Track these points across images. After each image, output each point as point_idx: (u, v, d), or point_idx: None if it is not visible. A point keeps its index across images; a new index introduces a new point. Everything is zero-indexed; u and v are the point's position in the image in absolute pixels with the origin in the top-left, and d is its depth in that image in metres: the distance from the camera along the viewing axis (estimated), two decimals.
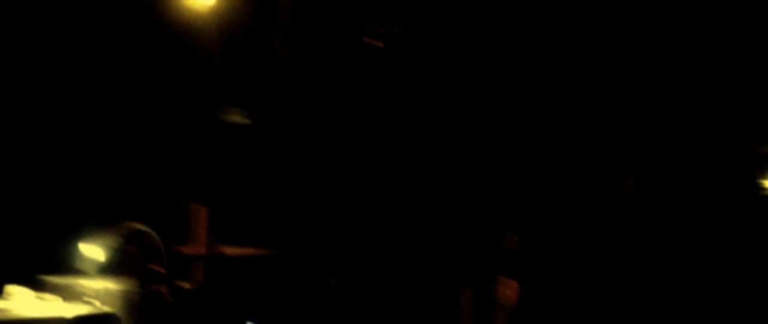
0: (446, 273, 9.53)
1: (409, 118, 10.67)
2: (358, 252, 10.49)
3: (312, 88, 10.30)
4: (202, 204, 9.01)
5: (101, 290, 7.22)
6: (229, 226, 9.43)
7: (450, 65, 10.61)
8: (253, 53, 9.96)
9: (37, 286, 7.34)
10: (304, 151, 10.44)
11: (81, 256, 7.51)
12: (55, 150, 9.54)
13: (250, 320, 8.38)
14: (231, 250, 9.08)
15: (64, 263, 7.74)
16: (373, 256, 10.60)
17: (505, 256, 8.23)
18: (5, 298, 7.02)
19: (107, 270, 7.52)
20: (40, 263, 7.73)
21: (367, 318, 10.14)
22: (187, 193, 9.32)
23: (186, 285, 7.87)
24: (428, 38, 10.19)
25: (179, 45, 9.68)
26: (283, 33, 9.91)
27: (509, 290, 8.26)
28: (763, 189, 11.50)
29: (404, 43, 9.96)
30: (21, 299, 6.98)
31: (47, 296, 7.10)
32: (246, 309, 8.24)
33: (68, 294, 7.27)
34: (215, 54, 9.54)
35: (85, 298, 7.20)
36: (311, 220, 10.46)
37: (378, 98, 10.38)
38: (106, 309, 7.09)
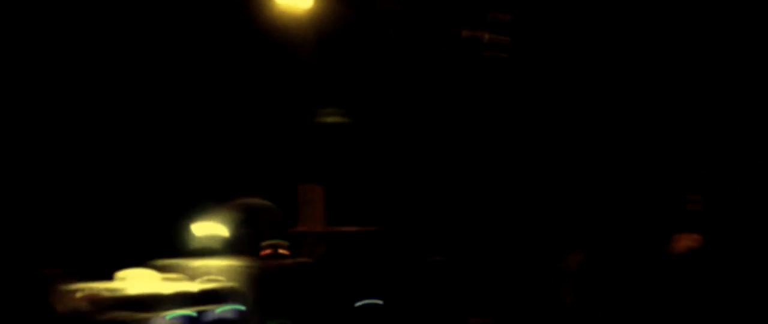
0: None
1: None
2: (468, 231, 10.28)
3: (414, 81, 10.19)
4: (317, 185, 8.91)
5: (222, 267, 7.14)
6: (341, 206, 9.30)
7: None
8: (351, 51, 9.88)
9: (158, 268, 7.28)
10: (413, 135, 10.30)
11: (198, 237, 7.45)
12: (167, 137, 9.50)
13: (371, 297, 8.21)
14: (346, 228, 8.94)
15: (180, 246, 7.69)
16: (484, 235, 10.37)
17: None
18: (126, 280, 6.96)
19: (226, 248, 7.44)
20: (157, 248, 7.69)
21: (477, 295, 9.92)
22: (295, 176, 9.19)
23: (306, 260, 7.74)
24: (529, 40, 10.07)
25: (281, 44, 9.61)
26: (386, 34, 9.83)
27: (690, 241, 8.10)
28: None
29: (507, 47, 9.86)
30: (145, 280, 6.91)
31: (170, 276, 7.03)
32: (362, 283, 8.07)
33: (189, 273, 7.20)
34: (315, 52, 9.47)
35: (208, 276, 7.12)
36: (423, 199, 10.27)
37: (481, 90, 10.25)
38: (230, 284, 6.98)
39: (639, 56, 10.08)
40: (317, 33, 9.46)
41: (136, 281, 6.84)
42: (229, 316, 6.87)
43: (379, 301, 8.19)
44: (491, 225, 10.32)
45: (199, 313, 6.50)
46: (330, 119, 9.68)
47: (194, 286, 6.67)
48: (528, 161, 10.43)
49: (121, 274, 6.91)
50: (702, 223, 8.18)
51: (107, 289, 6.51)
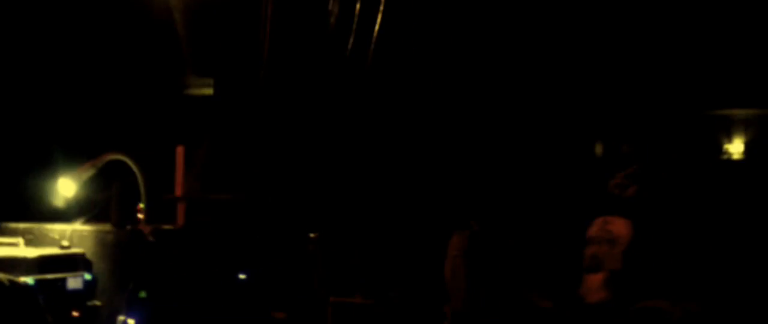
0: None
1: None
2: (345, 207, 9.75)
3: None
4: (190, 147, 8.19)
5: (70, 232, 6.44)
6: (217, 174, 8.62)
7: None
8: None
9: (2, 230, 6.56)
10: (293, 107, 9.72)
11: (52, 195, 6.73)
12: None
13: (239, 270, 7.57)
14: (220, 196, 8.26)
15: (34, 206, 6.96)
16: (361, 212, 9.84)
17: None
18: None
19: (80, 210, 6.73)
20: (6, 209, 6.95)
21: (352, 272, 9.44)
22: (168, 140, 8.48)
23: (166, 227, 7.06)
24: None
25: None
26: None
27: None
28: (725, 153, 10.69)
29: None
30: None
31: (9, 240, 6.30)
32: (231, 254, 7.42)
33: (34, 237, 6.49)
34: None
35: (53, 241, 6.41)
36: (301, 171, 9.68)
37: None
38: (75, 250, 6.28)
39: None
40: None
41: None
42: (76, 285, 6.16)
43: (243, 275, 7.53)
44: (368, 201, 9.82)
45: (38, 281, 5.77)
46: (202, 90, 9.03)
47: (33, 252, 5.93)
48: (409, 134, 9.93)
49: None
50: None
51: None
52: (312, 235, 9.35)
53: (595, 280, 7.04)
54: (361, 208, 9.70)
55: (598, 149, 10.38)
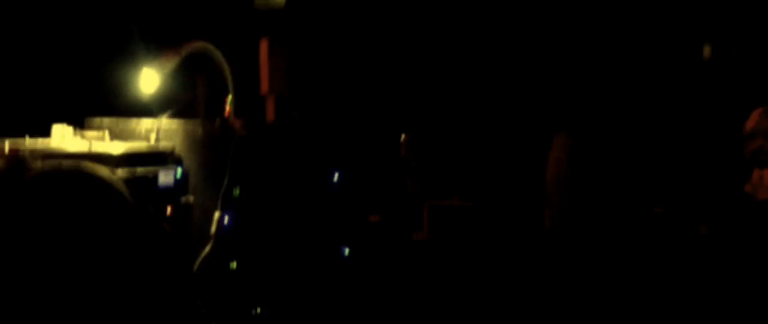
0: None
1: None
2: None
3: None
4: (274, 41, 7.70)
5: (157, 126, 6.03)
6: (307, 71, 8.15)
7: None
8: None
9: (86, 126, 6.17)
10: None
11: (135, 88, 6.30)
12: None
13: (339, 173, 7.13)
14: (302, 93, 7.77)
15: (116, 100, 6.56)
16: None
17: None
18: (51, 137, 5.83)
19: (165, 104, 6.31)
20: (90, 104, 6.56)
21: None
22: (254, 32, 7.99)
23: (268, 124, 6.61)
24: None
25: None
26: None
27: None
28: None
29: None
30: (66, 137, 5.78)
31: (95, 133, 5.91)
32: (321, 152, 6.97)
33: (120, 131, 6.09)
34: None
35: (139, 135, 6.01)
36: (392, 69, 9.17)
37: None
38: (164, 144, 5.87)
39: None
40: None
41: (58, 139, 5.73)
42: (167, 181, 5.76)
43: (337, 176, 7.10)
44: (466, 101, 9.31)
45: (128, 176, 5.37)
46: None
47: (121, 146, 5.52)
48: None
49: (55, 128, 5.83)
50: None
51: (25, 146, 5.38)
52: (404, 135, 8.95)
53: (766, 175, 6.65)
54: (459, 108, 9.23)
55: (707, 52, 9.69)
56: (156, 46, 6.37)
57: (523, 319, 6.77)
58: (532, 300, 7.09)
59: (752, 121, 6.65)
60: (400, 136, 8.93)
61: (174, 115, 6.16)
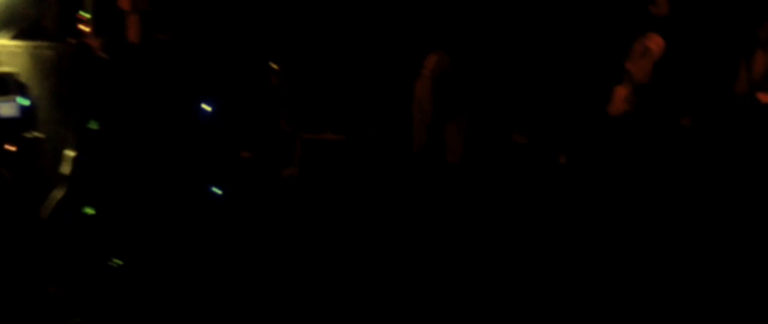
0: None
1: None
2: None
3: None
4: None
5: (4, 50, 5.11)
6: None
7: None
8: None
9: None
10: None
11: None
12: None
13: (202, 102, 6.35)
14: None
15: None
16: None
17: None
18: None
19: (6, 22, 5.37)
20: None
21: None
22: None
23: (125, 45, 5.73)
24: None
25: None
26: None
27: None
28: None
29: None
30: None
31: None
32: (190, 80, 6.19)
33: None
34: None
35: None
36: None
37: None
38: (4, 69, 4.96)
39: None
40: None
41: None
42: (9, 112, 4.86)
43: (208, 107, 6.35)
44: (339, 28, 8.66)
45: None
46: None
47: None
48: None
49: None
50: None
51: None
52: (275, 66, 8.24)
53: (621, 92, 6.76)
54: (331, 35, 8.57)
55: None
56: None
57: (394, 253, 6.45)
58: (406, 231, 6.81)
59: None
60: (271, 66, 8.21)
61: (18, 36, 5.23)
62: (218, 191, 6.41)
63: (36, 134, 5.05)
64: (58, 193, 5.21)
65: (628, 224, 6.32)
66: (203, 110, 6.30)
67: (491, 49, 8.16)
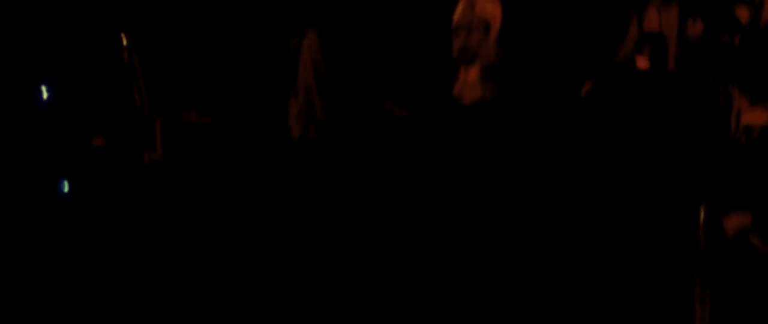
0: None
1: None
2: None
3: None
4: None
5: None
6: None
7: None
8: None
9: None
10: None
11: None
12: None
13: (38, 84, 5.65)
14: None
15: None
16: None
17: None
18: None
19: None
20: None
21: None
22: None
23: None
24: None
25: None
26: None
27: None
28: None
29: None
30: None
31: None
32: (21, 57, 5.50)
33: None
34: None
35: None
36: None
37: None
38: None
39: None
40: None
41: None
42: None
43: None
44: None
45: None
46: None
47: None
48: None
49: None
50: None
51: None
52: (126, 39, 7.51)
53: (471, 75, 6.19)
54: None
55: None
56: None
57: (269, 245, 6.01)
58: (282, 221, 6.35)
59: (456, 15, 6.15)
60: (121, 40, 7.47)
61: None
62: (67, 185, 5.74)
63: None
64: None
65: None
66: (41, 95, 5.60)
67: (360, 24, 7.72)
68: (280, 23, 7.81)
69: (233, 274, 5.61)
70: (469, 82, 6.22)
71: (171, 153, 7.52)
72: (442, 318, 5.23)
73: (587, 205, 5.86)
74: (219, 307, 5.30)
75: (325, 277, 5.60)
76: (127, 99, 7.52)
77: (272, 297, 5.45)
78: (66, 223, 5.67)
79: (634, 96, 6.50)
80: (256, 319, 5.27)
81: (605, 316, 5.20)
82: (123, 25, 7.58)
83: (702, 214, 4.99)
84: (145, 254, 5.78)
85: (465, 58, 6.17)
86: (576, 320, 5.17)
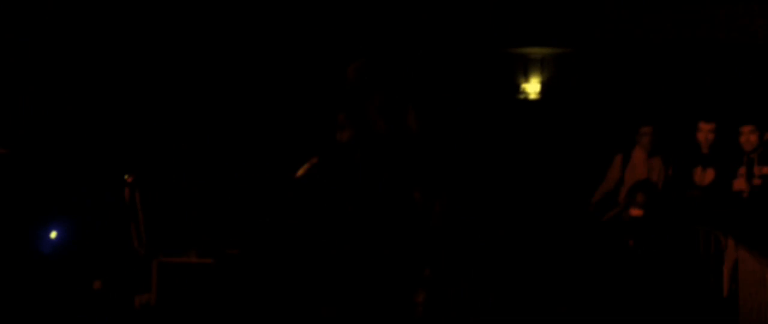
0: None
1: None
2: None
3: None
4: None
5: None
6: None
7: None
8: None
9: None
10: None
11: None
12: None
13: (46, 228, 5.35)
14: None
15: None
16: None
17: None
18: None
19: None
20: None
21: None
22: None
23: None
24: None
25: None
26: None
27: None
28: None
29: None
30: None
31: None
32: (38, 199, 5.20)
33: None
34: None
35: None
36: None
37: None
38: None
39: None
40: None
41: None
42: None
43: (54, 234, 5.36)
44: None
45: None
46: None
47: None
48: None
49: None
50: None
51: None
52: (128, 177, 7.25)
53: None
54: (195, 143, 7.73)
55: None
56: None
57: None
58: None
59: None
60: (123, 178, 7.22)
61: None
62: None
63: None
64: None
65: None
66: (46, 238, 5.29)
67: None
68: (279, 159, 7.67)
69: None
70: None
71: (166, 294, 7.19)
72: None
73: None
74: None
75: None
76: (125, 240, 7.23)
77: None
78: None
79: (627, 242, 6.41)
80: None
81: None
82: (126, 162, 7.39)
83: None
84: None
85: None
86: None
